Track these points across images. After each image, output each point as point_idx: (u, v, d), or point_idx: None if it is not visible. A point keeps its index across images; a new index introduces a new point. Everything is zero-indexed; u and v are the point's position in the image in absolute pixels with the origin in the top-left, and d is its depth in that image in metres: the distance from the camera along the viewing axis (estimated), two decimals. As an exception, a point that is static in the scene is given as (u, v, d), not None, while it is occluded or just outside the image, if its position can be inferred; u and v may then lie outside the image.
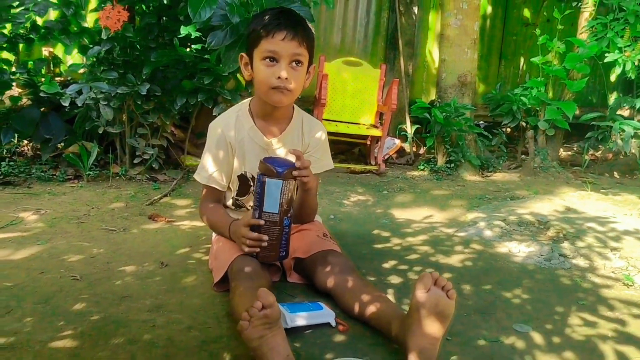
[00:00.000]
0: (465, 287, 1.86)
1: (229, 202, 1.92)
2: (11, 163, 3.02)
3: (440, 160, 3.91)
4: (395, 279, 1.89)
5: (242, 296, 1.48)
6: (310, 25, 1.75)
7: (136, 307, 1.57)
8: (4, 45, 2.82)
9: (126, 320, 1.49)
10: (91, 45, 2.90)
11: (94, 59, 2.91)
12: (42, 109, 3.05)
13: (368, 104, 4.14)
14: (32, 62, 2.92)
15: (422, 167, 3.95)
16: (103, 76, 2.86)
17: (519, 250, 2.28)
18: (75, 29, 2.87)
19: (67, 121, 3.16)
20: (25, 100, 3.07)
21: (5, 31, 2.83)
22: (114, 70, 2.87)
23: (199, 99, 2.90)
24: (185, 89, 2.91)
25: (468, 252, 2.24)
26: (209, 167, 1.82)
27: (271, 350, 1.21)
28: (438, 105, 3.89)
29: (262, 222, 1.61)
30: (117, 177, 3.10)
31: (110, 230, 2.26)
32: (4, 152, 3.19)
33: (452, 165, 3.84)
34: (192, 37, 2.80)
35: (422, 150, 4.47)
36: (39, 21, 2.96)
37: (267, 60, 1.65)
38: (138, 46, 2.91)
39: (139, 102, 2.97)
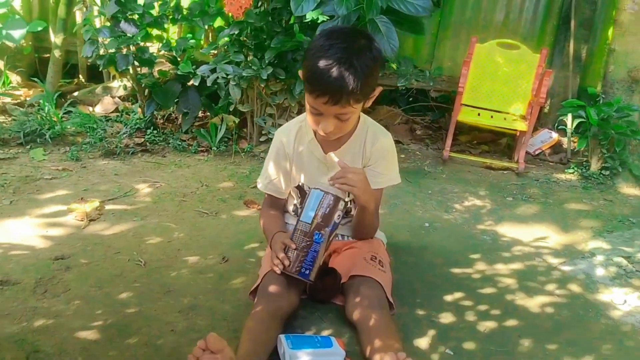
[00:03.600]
0: (524, 342, 1.63)
1: (290, 208, 1.91)
2: (155, 131, 3.35)
3: (594, 165, 3.40)
4: (446, 318, 1.73)
5: (252, 320, 1.50)
6: (371, 58, 1.52)
7: (171, 305, 1.68)
8: (154, 23, 3.08)
9: (154, 318, 1.60)
10: (226, 27, 3.03)
11: (228, 40, 3.05)
12: (189, 83, 3.28)
13: (521, 92, 3.72)
14: (175, 41, 3.16)
15: (571, 170, 3.48)
16: (232, 58, 2.98)
17: (625, 301, 1.91)
18: (212, 11, 3.02)
19: (208, 95, 3.38)
20: (172, 75, 3.35)
21: (154, 12, 3.08)
22: (241, 53, 2.97)
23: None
24: (302, 74, 2.91)
25: (558, 295, 1.94)
26: (269, 175, 1.84)
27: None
28: (602, 99, 3.35)
29: (294, 245, 1.58)
30: (243, 153, 3.27)
31: (203, 212, 2.41)
32: (158, 119, 3.55)
33: (608, 173, 3.31)
34: (319, 22, 2.77)
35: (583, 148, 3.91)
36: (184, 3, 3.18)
37: (313, 110, 1.57)
38: (266, 29, 2.97)
39: (264, 85, 3.06)
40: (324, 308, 1.72)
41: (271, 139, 3.17)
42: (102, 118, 3.56)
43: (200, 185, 2.74)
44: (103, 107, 3.81)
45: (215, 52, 3.21)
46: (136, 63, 3.11)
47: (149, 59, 3.05)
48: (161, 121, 3.64)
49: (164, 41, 3.17)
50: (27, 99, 3.73)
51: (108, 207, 2.38)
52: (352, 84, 1.46)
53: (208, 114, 3.57)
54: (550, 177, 3.42)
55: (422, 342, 1.59)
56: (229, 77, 3.02)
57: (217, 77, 3.03)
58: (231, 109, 3.24)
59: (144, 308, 1.65)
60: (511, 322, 1.74)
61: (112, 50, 3.01)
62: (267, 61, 2.92)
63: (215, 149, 3.24)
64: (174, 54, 3.20)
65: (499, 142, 4.04)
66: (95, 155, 3.05)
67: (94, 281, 1.78)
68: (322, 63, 1.47)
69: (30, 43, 3.86)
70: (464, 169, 3.49)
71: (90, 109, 3.78)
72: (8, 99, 3.68)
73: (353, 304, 1.60)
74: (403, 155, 3.70)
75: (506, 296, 1.91)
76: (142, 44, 3.12)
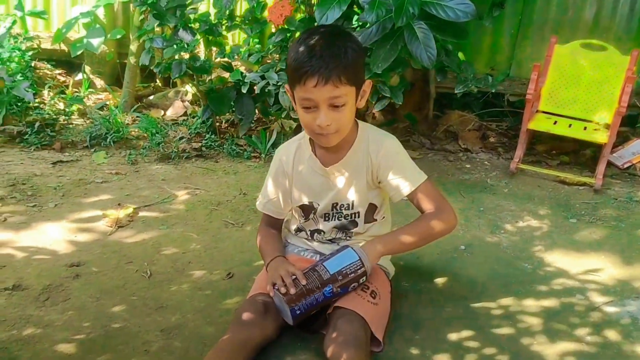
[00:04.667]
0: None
1: (293, 227, 1.85)
2: (213, 136, 3.41)
3: (688, 184, 2.95)
4: (440, 360, 1.57)
5: (214, 350, 1.46)
6: (353, 44, 1.50)
7: (157, 323, 1.68)
8: (210, 31, 3.14)
9: (134, 335, 1.62)
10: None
11: (277, 47, 3.03)
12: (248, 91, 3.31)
13: (607, 98, 3.32)
14: (229, 48, 3.20)
15: (661, 189, 3.06)
16: (280, 65, 2.96)
17: (670, 358, 1.62)
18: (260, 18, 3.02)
19: (264, 102, 3.39)
20: (229, 81, 3.39)
21: (212, 19, 3.14)
22: (289, 60, 2.94)
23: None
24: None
25: (588, 342, 1.69)
26: (267, 194, 1.79)
27: None
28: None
29: (304, 281, 1.53)
30: (293, 160, 3.23)
31: (230, 223, 2.41)
32: (223, 123, 3.63)
33: None
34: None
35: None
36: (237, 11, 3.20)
37: (305, 106, 1.51)
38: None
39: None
40: (309, 338, 1.64)
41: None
42: (170, 122, 3.71)
43: (239, 194, 2.74)
44: (174, 110, 3.96)
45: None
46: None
47: (202, 67, 3.10)
48: (225, 125, 3.71)
49: (220, 48, 3.21)
50: (109, 102, 3.97)
51: (142, 213, 2.46)
52: (340, 57, 1.44)
53: (272, 118, 3.59)
54: (634, 196, 3.02)
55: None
56: (279, 84, 3.00)
57: (267, 84, 3.02)
58: (283, 115, 3.21)
59: (130, 324, 1.67)
60: (516, 373, 1.55)
61: (168, 58, 3.10)
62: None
63: (264, 155, 3.24)
64: (229, 60, 3.24)
65: (582, 153, 3.65)
66: (151, 159, 3.17)
67: (94, 291, 1.83)
68: (303, 49, 1.46)
69: (112, 50, 4.10)
70: (533, 182, 3.19)
71: (162, 112, 3.94)
72: (90, 103, 3.93)
73: (329, 339, 1.50)
74: (468, 165, 3.46)
75: (523, 339, 1.70)
76: (196, 51, 3.19)
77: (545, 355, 1.62)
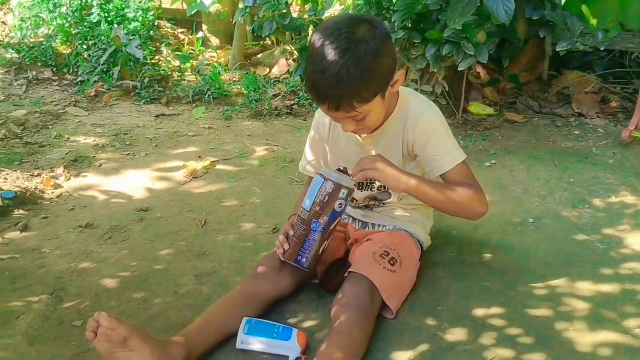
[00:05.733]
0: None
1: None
2: (305, 94, 3.47)
3: None
4: (454, 334, 1.50)
5: (222, 297, 1.54)
6: (368, 51, 1.32)
7: (194, 268, 1.82)
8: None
9: (170, 278, 1.76)
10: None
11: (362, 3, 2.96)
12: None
13: None
14: (320, 4, 3.18)
15: None
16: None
17: None
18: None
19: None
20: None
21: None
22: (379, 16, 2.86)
23: (443, 52, 2.63)
24: (430, 38, 2.67)
25: (634, 335, 1.49)
26: (306, 156, 1.82)
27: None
28: None
29: (292, 232, 1.55)
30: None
31: (294, 180, 2.47)
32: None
33: None
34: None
35: None
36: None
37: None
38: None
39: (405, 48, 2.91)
40: (327, 297, 1.65)
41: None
42: (272, 80, 3.82)
43: (314, 152, 2.78)
44: (279, 69, 4.07)
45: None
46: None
47: (291, 24, 3.13)
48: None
49: (313, 4, 3.21)
50: (220, 60, 4.19)
51: (218, 166, 2.61)
52: (349, 87, 1.33)
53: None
54: None
55: (400, 357, 1.42)
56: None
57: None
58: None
59: (171, 267, 1.82)
60: (535, 357, 1.43)
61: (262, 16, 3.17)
62: (396, 24, 2.75)
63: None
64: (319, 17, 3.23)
65: None
66: (244, 115, 3.32)
67: (151, 234, 2.01)
68: (313, 69, 1.35)
69: (226, 9, 4.28)
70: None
71: (268, 70, 4.07)
72: (202, 60, 4.17)
73: (335, 300, 1.51)
74: (577, 132, 3.14)
75: (557, 323, 1.55)
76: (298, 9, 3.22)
77: (576, 344, 1.47)
